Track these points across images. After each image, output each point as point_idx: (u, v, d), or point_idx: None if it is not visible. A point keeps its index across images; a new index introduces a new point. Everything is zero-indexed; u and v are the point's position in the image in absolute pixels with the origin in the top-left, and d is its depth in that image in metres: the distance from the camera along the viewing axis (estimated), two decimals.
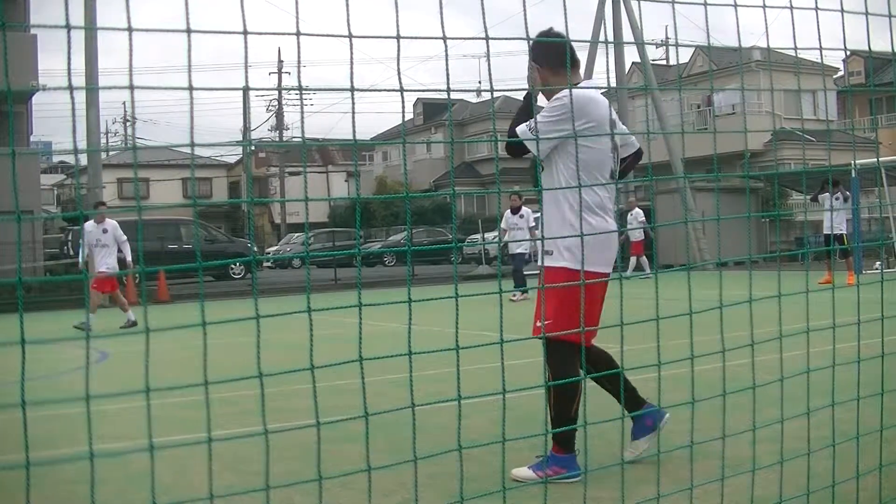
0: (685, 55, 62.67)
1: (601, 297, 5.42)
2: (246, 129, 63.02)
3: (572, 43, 5.02)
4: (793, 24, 4.36)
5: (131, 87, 3.04)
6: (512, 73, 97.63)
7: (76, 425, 7.58)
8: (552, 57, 5.42)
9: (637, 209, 28.62)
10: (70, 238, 38.55)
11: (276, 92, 68.92)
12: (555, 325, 5.10)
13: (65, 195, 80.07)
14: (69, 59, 2.90)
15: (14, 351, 2.71)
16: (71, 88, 2.89)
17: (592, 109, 5.26)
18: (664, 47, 67.87)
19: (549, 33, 5.41)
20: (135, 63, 3.02)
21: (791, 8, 4.26)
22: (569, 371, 5.18)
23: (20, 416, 2.77)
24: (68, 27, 2.79)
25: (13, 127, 30.53)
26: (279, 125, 71.46)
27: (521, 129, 5.31)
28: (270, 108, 71.78)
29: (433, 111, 74.09)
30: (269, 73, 73.98)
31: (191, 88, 3.09)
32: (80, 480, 5.73)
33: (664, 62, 67.13)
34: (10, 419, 7.50)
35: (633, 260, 27.83)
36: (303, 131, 3.58)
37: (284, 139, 69.15)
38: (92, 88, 28.37)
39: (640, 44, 25.99)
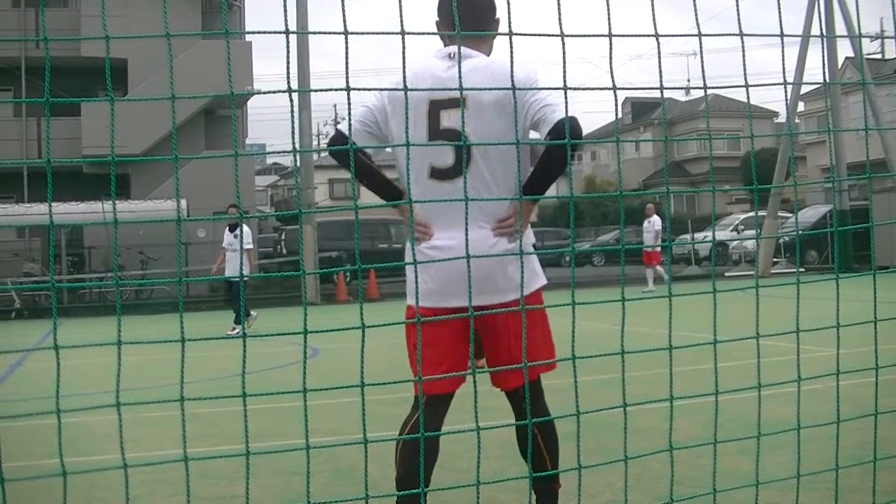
0: None
1: (458, 338, 4.05)
2: None
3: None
4: None
5: (347, 89, 3.11)
6: (721, 70, 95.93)
7: (288, 419, 7.81)
8: (446, 10, 4.23)
9: (655, 216, 27.26)
10: (283, 237, 39.66)
11: None
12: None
13: (278, 195, 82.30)
14: (287, 63, 2.99)
15: (234, 345, 2.80)
16: (290, 91, 2.97)
17: (413, 92, 3.76)
18: (879, 40, 65.65)
19: None
20: (348, 65, 3.09)
21: None
22: (406, 428, 4.06)
23: (240, 409, 2.87)
24: (287, 32, 2.87)
25: (235, 130, 31.33)
26: None
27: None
28: None
29: (641, 110, 73.49)
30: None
31: (405, 89, 3.14)
32: (295, 472, 5.89)
33: (879, 56, 65.00)
34: (230, 412, 7.75)
35: (649, 271, 26.52)
36: (515, 130, 3.61)
37: None
38: (308, 91, 29.12)
39: (854, 37, 25.24)
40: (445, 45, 4.22)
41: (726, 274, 34.06)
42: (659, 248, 26.63)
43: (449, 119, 3.97)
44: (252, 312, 18.49)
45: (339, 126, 4.04)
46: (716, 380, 3.52)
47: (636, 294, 23.63)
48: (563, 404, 3.82)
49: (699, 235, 40.49)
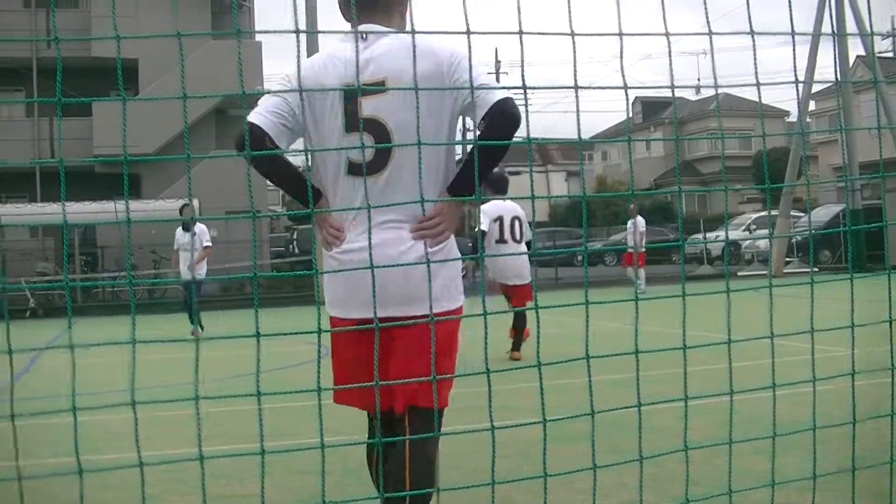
0: None
1: (383, 351, 3.47)
2: (465, 129, 63.66)
3: None
4: None
5: (358, 88, 3.10)
6: (732, 69, 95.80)
7: (301, 418, 7.81)
8: None
9: (639, 217, 26.89)
10: (295, 237, 39.74)
11: None
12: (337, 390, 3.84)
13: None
14: (298, 62, 2.99)
15: (247, 344, 2.80)
16: (301, 91, 2.97)
17: (323, 80, 3.58)
18: (890, 38, 65.36)
19: None
20: (358, 65, 3.09)
21: None
22: (374, 457, 3.94)
23: (251, 409, 2.87)
24: (297, 32, 2.87)
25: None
26: None
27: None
28: None
29: (652, 109, 73.43)
30: (487, 73, 74.39)
31: (416, 89, 3.13)
32: (308, 471, 5.89)
33: (891, 54, 64.75)
34: (240, 411, 7.75)
35: (639, 272, 26.26)
36: (528, 130, 3.58)
37: None
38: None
39: (865, 35, 25.13)
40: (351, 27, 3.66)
41: (739, 273, 34.03)
42: (643, 251, 26.68)
43: (367, 107, 3.48)
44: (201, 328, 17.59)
45: (249, 118, 3.54)
46: (730, 379, 3.51)
47: (647, 293, 23.59)
48: (577, 404, 3.81)
49: (711, 235, 40.44)
